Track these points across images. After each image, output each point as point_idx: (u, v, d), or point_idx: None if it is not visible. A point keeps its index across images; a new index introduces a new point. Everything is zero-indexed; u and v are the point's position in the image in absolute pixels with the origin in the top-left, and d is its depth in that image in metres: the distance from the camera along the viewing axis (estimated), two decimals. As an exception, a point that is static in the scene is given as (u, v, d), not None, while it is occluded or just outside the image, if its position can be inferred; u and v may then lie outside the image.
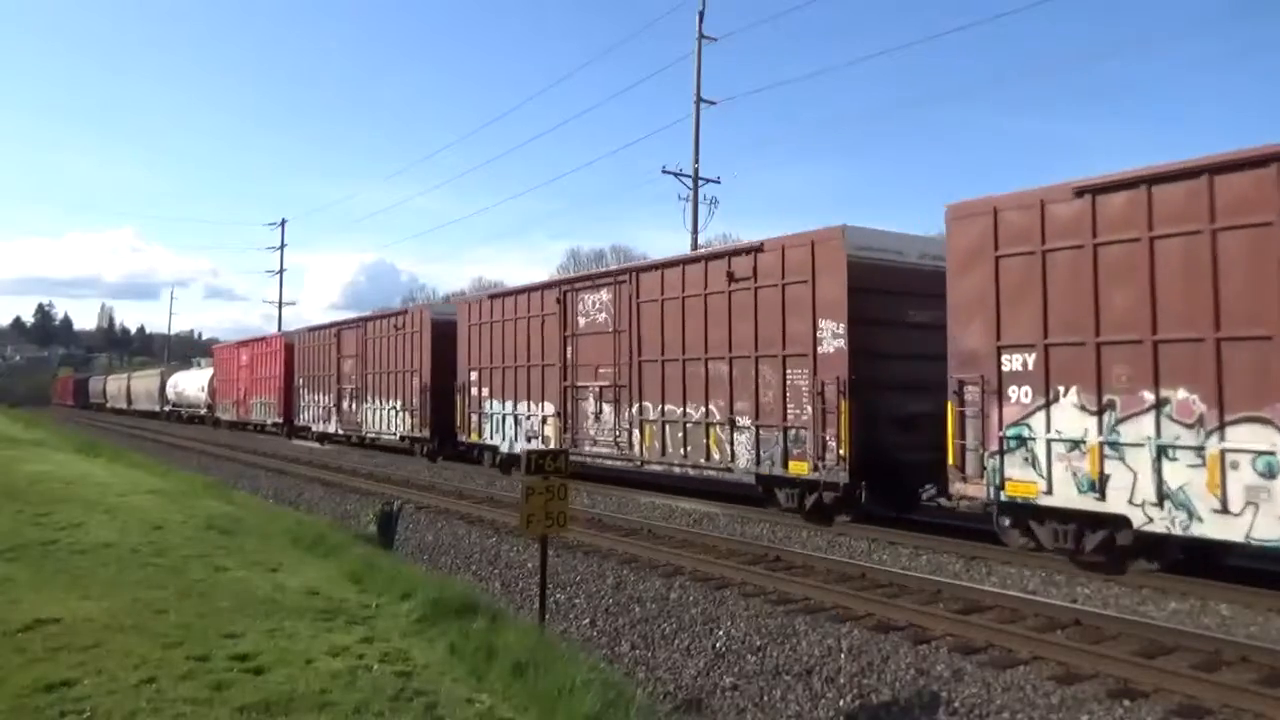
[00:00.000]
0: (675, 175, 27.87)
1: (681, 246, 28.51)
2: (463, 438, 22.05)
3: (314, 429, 31.89)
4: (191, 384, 51.64)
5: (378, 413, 26.75)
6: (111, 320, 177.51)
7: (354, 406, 28.53)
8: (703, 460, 14.69)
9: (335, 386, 29.77)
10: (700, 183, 27.85)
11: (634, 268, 16.78)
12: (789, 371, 13.18)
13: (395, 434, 25.87)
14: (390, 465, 23.97)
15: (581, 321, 17.74)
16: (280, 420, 35.52)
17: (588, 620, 8.84)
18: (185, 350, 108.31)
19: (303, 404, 32.79)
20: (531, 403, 19.14)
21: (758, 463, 13.67)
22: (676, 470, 15.64)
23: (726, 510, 14.70)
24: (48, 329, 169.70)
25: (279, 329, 59.05)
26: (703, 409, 14.61)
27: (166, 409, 55.83)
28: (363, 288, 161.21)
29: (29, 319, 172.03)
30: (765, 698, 6.72)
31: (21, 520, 10.09)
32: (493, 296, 21.46)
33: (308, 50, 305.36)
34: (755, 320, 13.70)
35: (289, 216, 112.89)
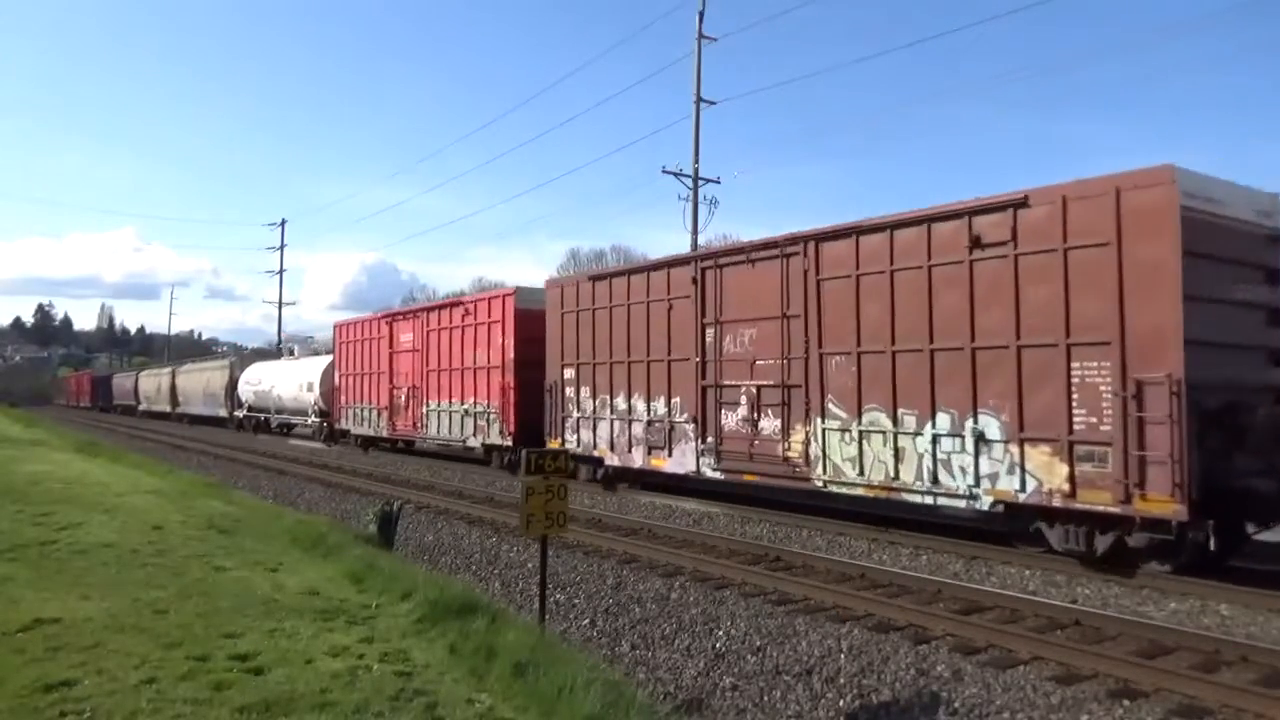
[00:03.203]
0: (675, 175, 27.90)
1: (682, 246, 28.43)
2: None
3: (611, 462, 17.06)
4: (287, 380, 35.66)
5: (849, 436, 12.38)
6: (111, 320, 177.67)
7: (757, 418, 13.84)
8: None
9: (715, 382, 14.61)
10: (700, 183, 27.88)
11: None
12: None
13: (929, 490, 11.29)
14: (388, 465, 23.92)
15: None
16: (506, 441, 20.30)
17: (588, 620, 8.84)
18: (186, 350, 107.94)
19: (576, 414, 17.83)
20: None
21: None
22: None
23: (726, 510, 14.70)
24: (48, 329, 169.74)
25: (279, 330, 59.11)
26: None
27: (239, 415, 40.98)
28: (363, 287, 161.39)
29: (29, 319, 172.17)
30: (765, 698, 6.72)
31: (21, 520, 10.09)
32: None
33: (308, 50, 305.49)
34: None
35: (289, 216, 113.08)
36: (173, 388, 53.54)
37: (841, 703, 6.53)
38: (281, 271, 59.20)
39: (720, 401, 14.59)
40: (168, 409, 53.95)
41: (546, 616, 7.48)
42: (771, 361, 13.73)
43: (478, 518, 14.77)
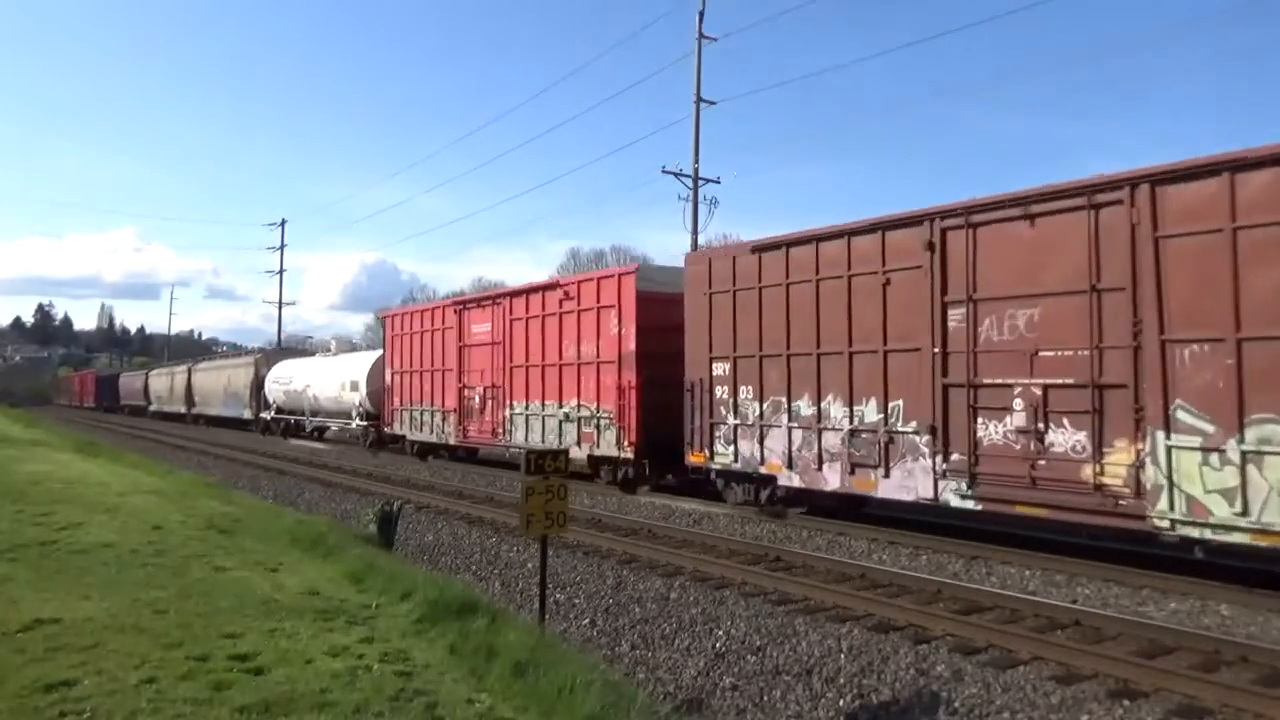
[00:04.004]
0: (675, 175, 27.90)
1: (682, 246, 28.45)
2: None
3: (788, 481, 13.21)
4: (325, 378, 31.68)
5: None
6: (111, 320, 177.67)
7: (1042, 429, 10.37)
8: None
9: (967, 380, 11.00)
10: (700, 183, 27.89)
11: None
12: None
13: None
14: (388, 465, 23.92)
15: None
16: (624, 453, 16.51)
17: (588, 620, 8.85)
18: (186, 350, 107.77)
19: (731, 421, 14.13)
20: None
21: None
22: None
23: (726, 510, 14.70)
24: (48, 329, 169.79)
25: (279, 329, 59.14)
26: None
27: (266, 417, 37.53)
28: (363, 287, 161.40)
29: (29, 319, 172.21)
30: (765, 698, 6.72)
31: (21, 520, 10.10)
32: None
33: (308, 51, 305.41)
34: None
35: (289, 216, 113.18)
36: (188, 387, 49.83)
37: (841, 703, 6.53)
38: (281, 271, 59.14)
39: (975, 406, 10.86)
40: (182, 410, 50.51)
41: (546, 616, 7.48)
42: (1069, 352, 10.05)
43: (478, 518, 14.77)
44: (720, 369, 14.38)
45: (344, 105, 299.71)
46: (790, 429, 13.14)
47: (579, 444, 17.62)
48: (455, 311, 22.77)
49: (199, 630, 5.86)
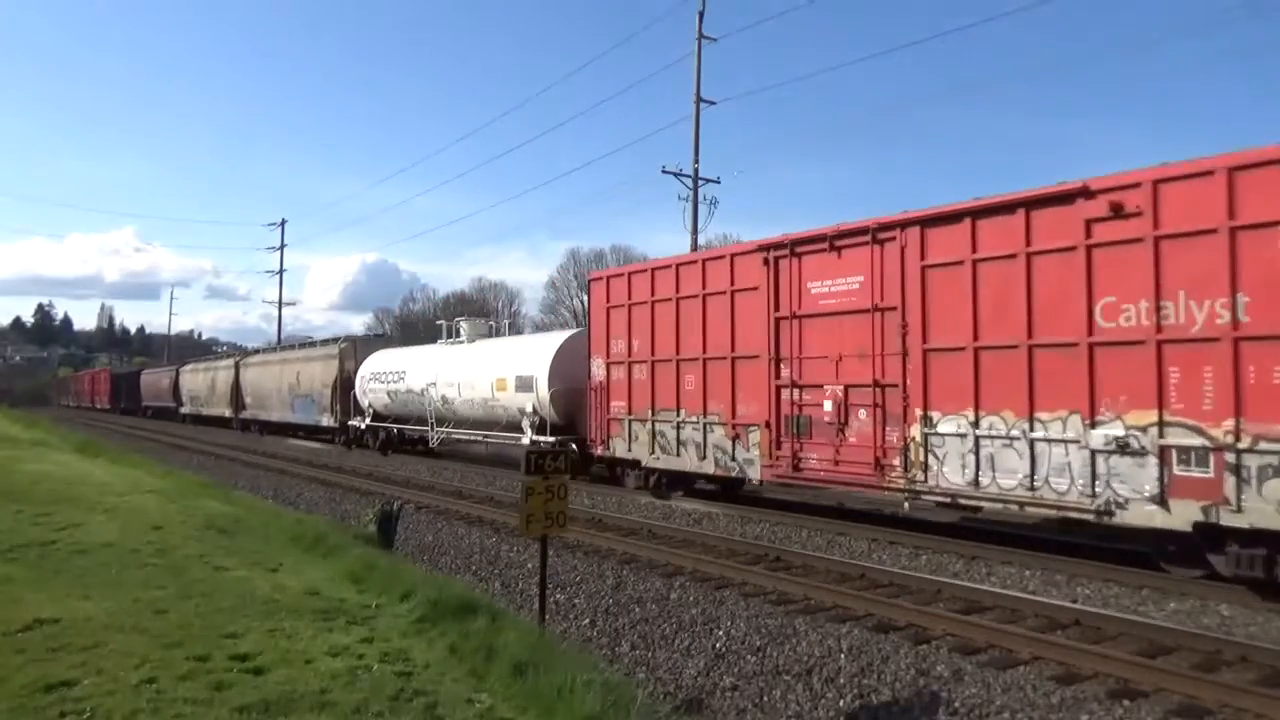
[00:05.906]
0: (675, 175, 27.90)
1: (682, 247, 28.40)
2: None
3: None
4: (465, 373, 22.75)
5: None
6: (111, 320, 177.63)
7: None
8: None
9: None
10: (700, 183, 27.89)
11: None
12: None
13: None
14: (389, 464, 23.93)
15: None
16: None
17: (588, 620, 8.85)
18: (187, 350, 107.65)
19: None
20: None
21: None
22: None
23: (726, 510, 14.70)
24: (48, 329, 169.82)
25: (279, 329, 59.08)
26: None
27: (358, 425, 28.52)
28: (364, 287, 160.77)
29: (29, 319, 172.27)
30: (765, 698, 6.73)
31: (22, 520, 10.10)
32: None
33: (307, 50, 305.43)
34: None
35: (289, 216, 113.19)
36: (235, 386, 40.47)
37: (841, 703, 6.54)
38: (281, 271, 59.07)
39: None
40: (226, 414, 41.68)
41: (546, 616, 7.48)
42: None
43: (478, 518, 14.77)
44: None
45: (344, 105, 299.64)
46: None
47: (1160, 497, 9.00)
48: (765, 261, 13.66)
49: (199, 630, 5.87)
